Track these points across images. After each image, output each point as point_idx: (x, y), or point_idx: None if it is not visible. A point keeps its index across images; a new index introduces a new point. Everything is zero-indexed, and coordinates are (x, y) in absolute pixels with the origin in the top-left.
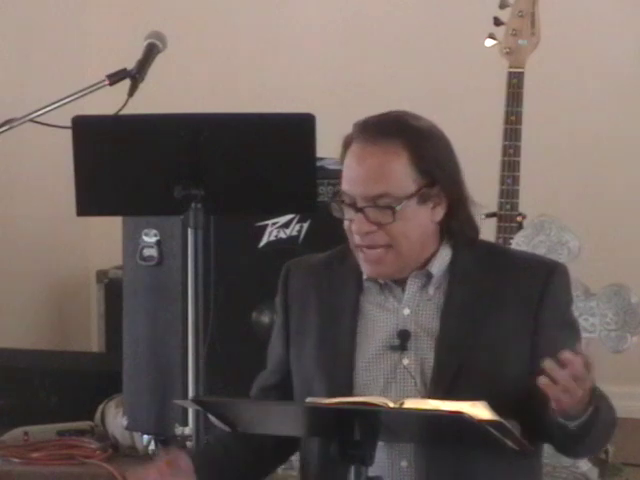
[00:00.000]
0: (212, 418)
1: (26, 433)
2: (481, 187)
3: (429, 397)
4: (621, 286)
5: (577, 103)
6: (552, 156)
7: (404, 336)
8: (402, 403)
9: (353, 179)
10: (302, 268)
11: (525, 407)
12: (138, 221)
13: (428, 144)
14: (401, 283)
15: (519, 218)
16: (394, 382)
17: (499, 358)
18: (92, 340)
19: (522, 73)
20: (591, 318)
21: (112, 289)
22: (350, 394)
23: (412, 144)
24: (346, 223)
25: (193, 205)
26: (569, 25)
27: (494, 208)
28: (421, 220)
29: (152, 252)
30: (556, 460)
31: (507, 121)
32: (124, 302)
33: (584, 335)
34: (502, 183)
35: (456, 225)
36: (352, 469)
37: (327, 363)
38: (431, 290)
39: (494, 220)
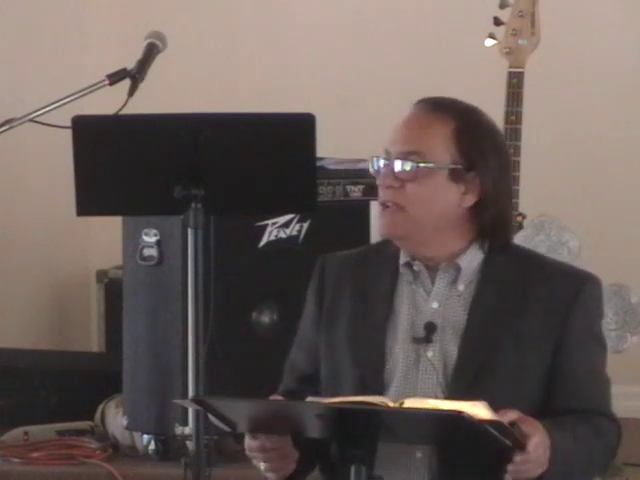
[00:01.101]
0: (212, 418)
1: (26, 433)
2: None
3: (449, 391)
4: (621, 286)
5: (577, 103)
6: (552, 156)
7: (430, 328)
8: (402, 403)
9: (394, 136)
10: (337, 260)
11: (543, 412)
12: (138, 221)
13: (479, 131)
14: (432, 275)
15: (519, 218)
16: (416, 373)
17: (522, 361)
18: (92, 340)
19: (522, 73)
20: None
21: (112, 289)
22: (380, 383)
23: (462, 122)
24: (378, 182)
25: (193, 205)
26: (569, 25)
27: None
28: (446, 197)
29: (152, 252)
30: None
31: (507, 121)
32: (124, 302)
33: None
34: None
35: (487, 221)
36: (352, 469)
37: (359, 350)
38: (461, 286)
39: None
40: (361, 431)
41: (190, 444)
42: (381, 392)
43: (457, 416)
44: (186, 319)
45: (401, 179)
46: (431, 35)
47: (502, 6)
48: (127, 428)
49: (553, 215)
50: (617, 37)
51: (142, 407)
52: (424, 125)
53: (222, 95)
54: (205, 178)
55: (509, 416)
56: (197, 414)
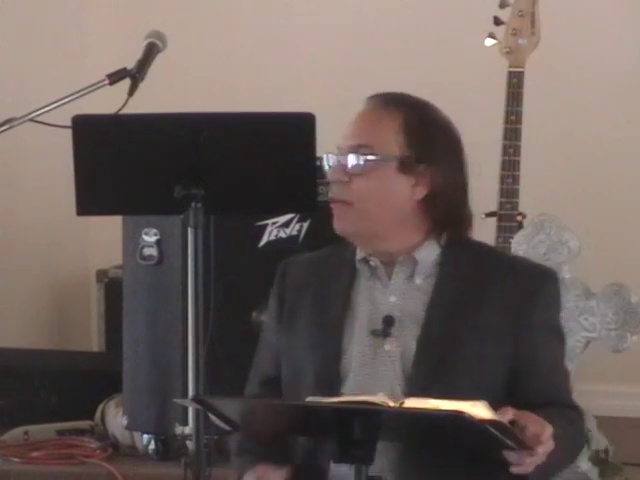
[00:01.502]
0: (213, 417)
1: (26, 432)
2: (481, 186)
3: (408, 384)
4: (621, 285)
5: (577, 103)
6: (552, 155)
7: (388, 322)
8: (402, 402)
9: (346, 132)
10: (299, 263)
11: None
12: (138, 220)
13: (427, 123)
14: (389, 270)
15: (519, 217)
16: (374, 366)
17: (480, 354)
18: (92, 340)
19: (522, 73)
20: (591, 317)
21: (112, 288)
22: (336, 377)
23: (411, 115)
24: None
25: (193, 205)
26: (569, 25)
27: (494, 207)
28: (396, 190)
29: (152, 251)
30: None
31: (507, 120)
32: (124, 301)
33: (584, 334)
34: (502, 182)
35: (440, 214)
36: (352, 468)
37: (316, 347)
38: (418, 280)
39: (494, 219)
40: (361, 431)
41: (190, 444)
42: (337, 386)
43: (458, 416)
44: (186, 319)
45: (350, 174)
46: (431, 35)
47: (502, 6)
48: (127, 428)
49: (553, 214)
50: (617, 37)
51: (142, 407)
52: (374, 119)
53: (222, 95)
54: (205, 178)
55: (508, 415)
56: (197, 414)
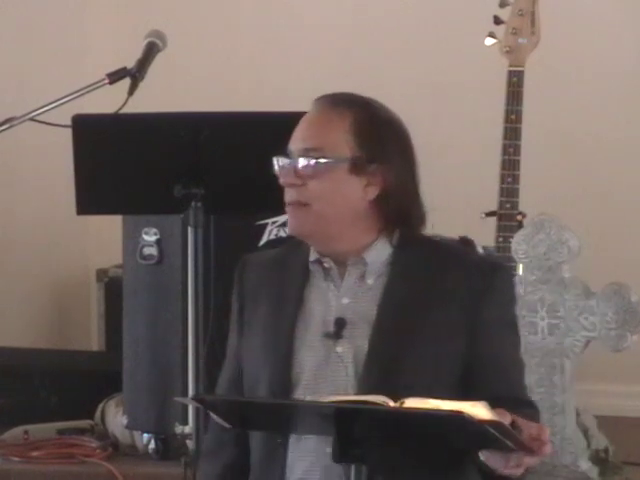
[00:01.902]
0: (213, 416)
1: (26, 432)
2: (481, 186)
3: (360, 385)
4: (621, 285)
5: (577, 102)
6: (552, 155)
7: (340, 324)
8: (403, 402)
9: (296, 135)
10: (257, 262)
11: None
12: (138, 220)
13: (377, 123)
14: (342, 271)
15: (519, 217)
16: (326, 368)
17: (434, 352)
18: (92, 339)
19: (522, 72)
20: (591, 317)
21: (112, 288)
22: (288, 380)
23: (360, 115)
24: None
25: (193, 204)
26: (569, 24)
27: (494, 207)
28: (348, 191)
29: (152, 251)
30: (556, 459)
31: (507, 120)
32: (124, 301)
33: (584, 334)
34: (502, 182)
35: (392, 213)
36: (352, 468)
37: (269, 349)
38: (370, 280)
39: (494, 219)
40: (361, 431)
41: (190, 443)
42: (289, 389)
43: (458, 416)
44: (186, 319)
45: (302, 176)
46: (431, 35)
47: (502, 5)
48: (127, 427)
49: (553, 214)
50: (617, 37)
51: (142, 406)
52: (323, 121)
53: (222, 94)
54: (205, 177)
55: (507, 417)
56: (197, 413)
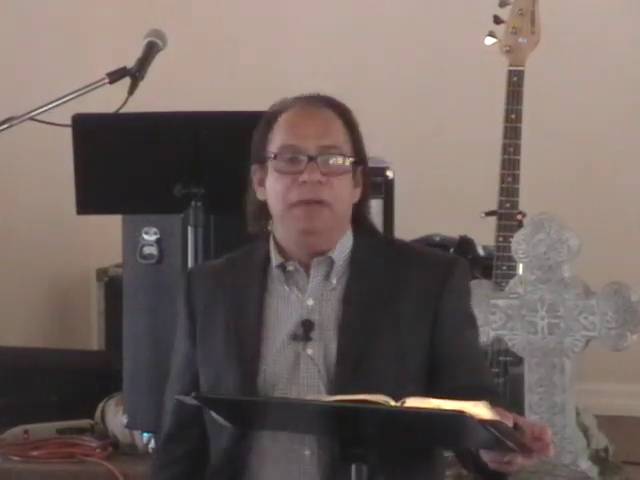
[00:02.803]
0: (214, 415)
1: (26, 431)
2: (481, 185)
3: (332, 384)
4: (621, 284)
5: (577, 101)
6: (552, 154)
7: (307, 326)
8: (404, 402)
9: (303, 132)
10: (204, 272)
11: (428, 394)
12: (138, 219)
13: (357, 125)
14: (307, 272)
15: (519, 216)
16: (299, 371)
17: (400, 346)
18: (92, 338)
19: (522, 71)
20: (591, 316)
21: (112, 287)
22: (258, 385)
23: (346, 116)
24: (284, 182)
25: (193, 203)
26: (569, 23)
27: (494, 206)
28: (350, 192)
29: (152, 250)
30: (556, 459)
31: (507, 119)
32: (124, 300)
33: (584, 333)
34: (502, 181)
35: (364, 213)
36: (352, 468)
37: (235, 357)
38: (334, 279)
39: (494, 218)
40: (362, 430)
41: None
42: (263, 395)
43: (459, 416)
44: None
45: (327, 174)
46: (431, 34)
47: (502, 4)
48: (127, 426)
49: (553, 213)
50: (617, 36)
51: (142, 405)
52: (327, 120)
53: (222, 94)
54: (205, 176)
55: (508, 417)
56: None
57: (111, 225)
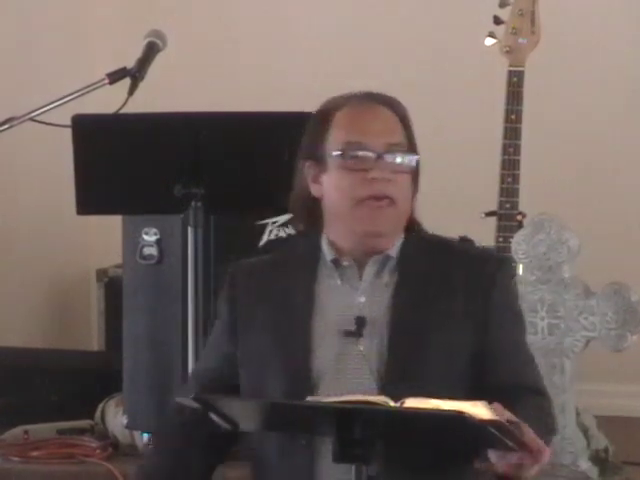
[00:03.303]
0: (213, 417)
1: (26, 432)
2: (481, 185)
3: (384, 381)
4: (621, 285)
5: (577, 101)
6: (552, 155)
7: (360, 322)
8: (403, 402)
9: (368, 129)
10: (248, 268)
11: (474, 391)
12: (138, 220)
13: (411, 123)
14: (360, 269)
15: (519, 217)
16: (349, 367)
17: (449, 343)
18: (92, 339)
19: (522, 71)
20: (591, 317)
21: (112, 288)
22: (308, 380)
23: (401, 115)
24: (351, 179)
25: (193, 204)
26: (569, 24)
27: (494, 207)
28: (410, 189)
29: (152, 251)
30: (556, 459)
31: (507, 120)
32: (124, 301)
33: (584, 334)
34: (502, 182)
35: (411, 213)
36: (353, 468)
37: (285, 352)
38: (386, 276)
39: (494, 219)
40: (361, 431)
41: None
42: (311, 390)
43: (458, 416)
44: (186, 319)
45: (396, 172)
46: (431, 34)
47: (502, 5)
48: (127, 427)
49: (553, 214)
50: (617, 36)
51: (142, 406)
52: (389, 117)
53: (222, 94)
54: (205, 177)
55: (506, 415)
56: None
57: (111, 225)
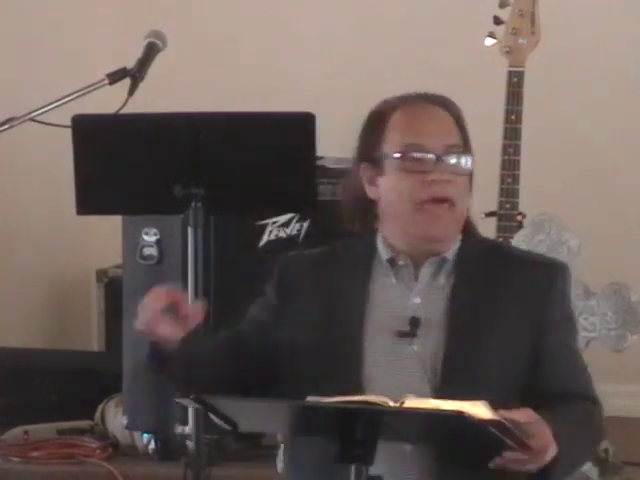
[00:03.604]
0: (213, 417)
1: (26, 432)
2: (481, 186)
3: (440, 383)
4: (621, 285)
5: (577, 102)
6: (552, 155)
7: (415, 323)
8: (403, 402)
9: (427, 131)
10: (301, 259)
11: (527, 396)
12: (138, 220)
13: (466, 124)
14: (416, 269)
15: (519, 217)
16: (401, 368)
17: (505, 346)
18: (92, 339)
19: (522, 72)
20: (591, 317)
21: (112, 288)
22: (360, 378)
23: (456, 117)
24: (410, 181)
25: (193, 204)
26: (569, 24)
27: (494, 207)
28: (468, 191)
29: (152, 251)
30: None
31: (507, 120)
32: (124, 301)
33: (584, 334)
34: (502, 182)
35: (468, 216)
36: (353, 468)
37: (335, 347)
38: (442, 279)
39: (494, 219)
40: (362, 430)
41: (190, 443)
42: (362, 388)
43: (459, 416)
44: None
45: (456, 173)
46: (431, 34)
47: (502, 5)
48: (127, 427)
49: (553, 214)
50: (617, 36)
51: (142, 406)
52: (445, 118)
53: (222, 94)
54: (205, 177)
55: (507, 414)
56: (197, 413)
57: (111, 226)
